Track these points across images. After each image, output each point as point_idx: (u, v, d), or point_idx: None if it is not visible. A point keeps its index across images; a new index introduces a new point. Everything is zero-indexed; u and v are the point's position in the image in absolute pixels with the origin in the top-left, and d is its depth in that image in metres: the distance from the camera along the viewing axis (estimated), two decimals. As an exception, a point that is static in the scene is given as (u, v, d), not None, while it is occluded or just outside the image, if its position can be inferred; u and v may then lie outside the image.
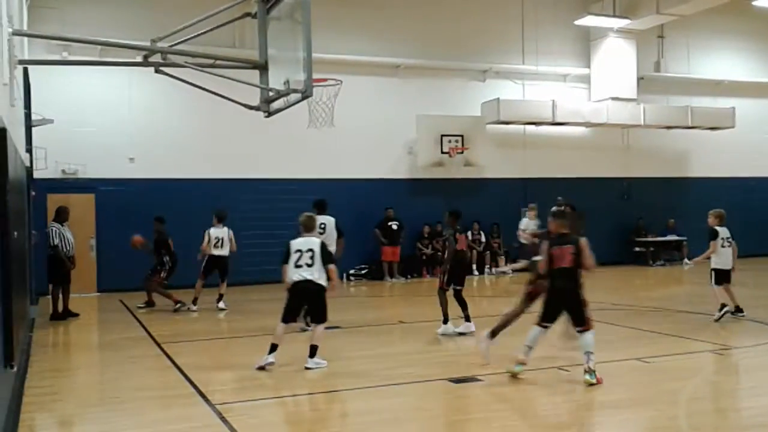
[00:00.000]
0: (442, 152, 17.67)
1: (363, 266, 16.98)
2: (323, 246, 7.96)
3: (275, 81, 8.87)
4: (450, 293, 9.75)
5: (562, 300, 7.14)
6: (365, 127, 17.25)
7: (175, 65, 8.99)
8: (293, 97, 8.66)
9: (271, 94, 9.01)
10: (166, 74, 9.21)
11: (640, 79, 19.55)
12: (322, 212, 10.46)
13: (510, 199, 18.77)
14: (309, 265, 7.74)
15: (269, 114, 9.36)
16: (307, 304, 8.07)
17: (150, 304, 13.00)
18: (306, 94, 8.45)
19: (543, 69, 19.06)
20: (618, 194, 19.90)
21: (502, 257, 18.47)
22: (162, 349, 9.11)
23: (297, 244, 7.91)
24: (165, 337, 9.99)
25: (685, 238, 19.65)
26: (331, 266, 7.85)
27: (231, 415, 6.00)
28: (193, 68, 8.78)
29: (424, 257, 17.61)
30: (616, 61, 19.19)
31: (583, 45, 19.67)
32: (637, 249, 19.68)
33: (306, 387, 7.11)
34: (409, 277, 17.22)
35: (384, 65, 17.72)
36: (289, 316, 7.88)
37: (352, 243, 15.80)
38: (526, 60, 18.89)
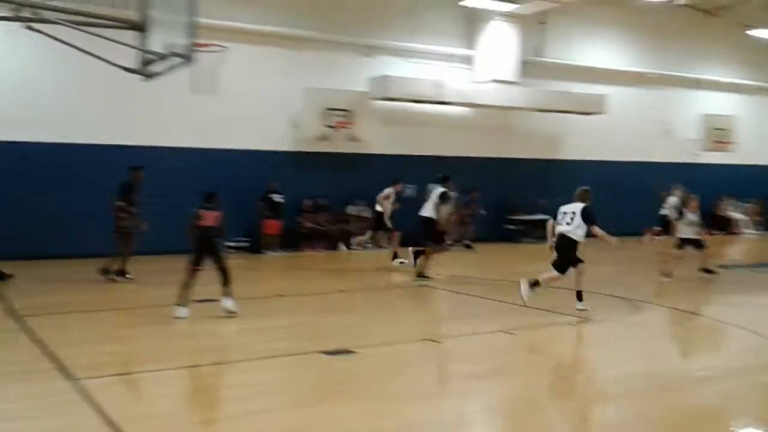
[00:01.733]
0: (328, 126, 17.63)
1: (243, 239, 16.74)
2: (585, 209, 9.53)
3: (155, 44, 8.57)
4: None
5: None
6: (250, 97, 16.91)
7: (47, 22, 8.52)
8: (174, 61, 8.42)
9: (150, 57, 8.71)
10: (38, 31, 8.71)
11: (522, 63, 20.18)
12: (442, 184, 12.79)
13: (394, 175, 19.02)
14: (568, 224, 9.53)
15: (148, 77, 9.05)
16: (561, 253, 9.62)
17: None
18: (187, 59, 8.24)
19: (430, 48, 19.31)
20: (496, 174, 20.54)
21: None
22: (24, 323, 8.67)
23: (564, 207, 9.79)
24: (30, 309, 9.50)
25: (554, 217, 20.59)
26: (594, 227, 9.54)
27: (95, 389, 5.83)
28: (66, 26, 8.34)
29: (305, 231, 17.58)
30: (500, 44, 19.71)
31: (469, 26, 20.06)
32: (509, 227, 20.44)
33: (177, 361, 7.00)
34: (289, 250, 17.15)
35: (272, 35, 17.39)
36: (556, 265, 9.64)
37: (233, 215, 15.60)
38: (413, 38, 19.07)
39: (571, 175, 20.94)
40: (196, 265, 8.97)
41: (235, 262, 15.11)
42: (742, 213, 24.35)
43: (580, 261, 9.67)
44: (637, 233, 23.05)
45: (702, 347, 8.84)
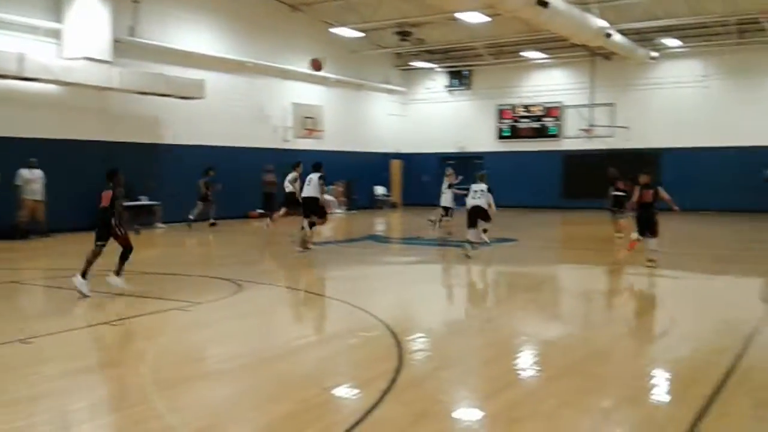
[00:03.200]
0: None
1: None
2: (488, 189, 13.86)
3: None
4: None
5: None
6: None
7: None
8: None
9: None
10: None
11: (115, 41, 19.25)
12: (316, 171, 14.97)
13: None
14: (478, 198, 13.72)
15: None
16: (476, 218, 13.85)
17: None
18: None
19: (9, 18, 17.33)
20: (93, 158, 19.35)
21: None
22: None
23: (474, 186, 13.96)
24: None
25: (158, 202, 20.23)
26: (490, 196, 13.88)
27: None
28: None
29: None
30: (90, 20, 18.51)
31: (56, -2, 18.47)
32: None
33: None
34: None
35: None
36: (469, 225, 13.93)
37: None
38: (-11, 5, 16.89)
39: (173, 160, 20.88)
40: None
41: None
42: (331, 195, 26.93)
43: (489, 220, 14.07)
44: (242, 216, 23.99)
45: (299, 319, 9.57)
